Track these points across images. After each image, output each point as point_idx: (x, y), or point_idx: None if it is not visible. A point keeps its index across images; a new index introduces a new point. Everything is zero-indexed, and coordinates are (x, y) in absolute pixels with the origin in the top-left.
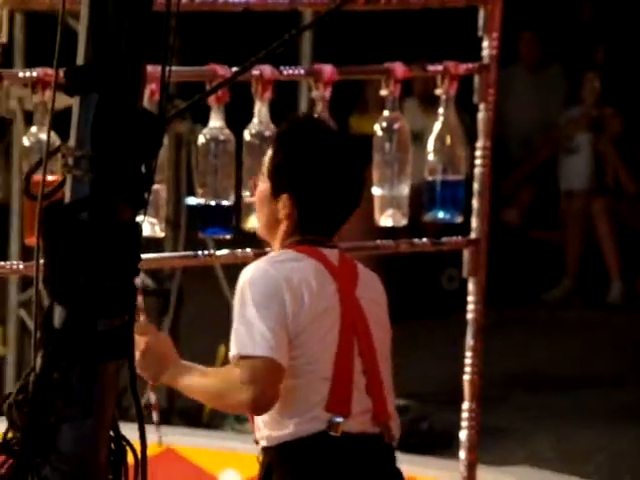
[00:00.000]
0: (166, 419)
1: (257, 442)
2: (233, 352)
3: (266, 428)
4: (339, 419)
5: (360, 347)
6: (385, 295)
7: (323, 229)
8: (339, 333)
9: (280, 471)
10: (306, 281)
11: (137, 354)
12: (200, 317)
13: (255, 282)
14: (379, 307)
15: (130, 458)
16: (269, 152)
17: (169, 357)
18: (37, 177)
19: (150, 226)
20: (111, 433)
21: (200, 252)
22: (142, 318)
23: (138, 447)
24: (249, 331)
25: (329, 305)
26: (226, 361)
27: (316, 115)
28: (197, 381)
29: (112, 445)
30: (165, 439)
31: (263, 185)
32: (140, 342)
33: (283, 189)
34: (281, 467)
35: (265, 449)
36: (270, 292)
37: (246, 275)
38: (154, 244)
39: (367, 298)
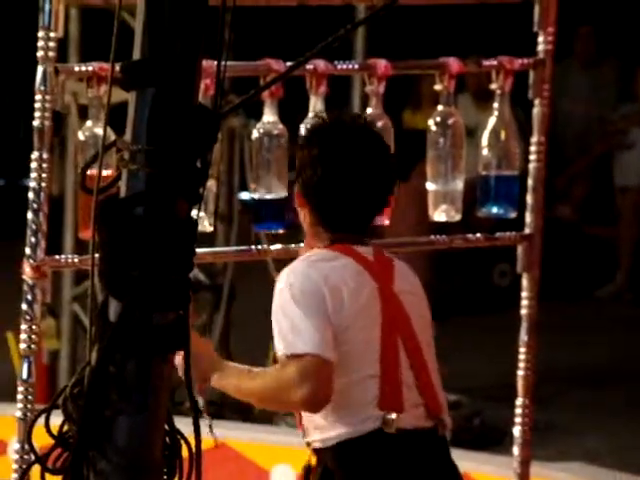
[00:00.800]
0: (219, 414)
1: (309, 444)
2: (280, 352)
3: (318, 430)
4: (393, 416)
5: (404, 343)
6: (421, 285)
7: (342, 224)
8: (381, 330)
9: (339, 472)
10: (343, 280)
11: (178, 358)
12: (252, 312)
13: (294, 282)
14: (418, 299)
15: (184, 452)
16: None
17: (214, 360)
18: (93, 171)
19: (199, 221)
20: (166, 427)
21: (254, 247)
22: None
23: (192, 441)
24: (294, 330)
25: (368, 303)
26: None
27: (347, 114)
28: (247, 383)
29: (167, 439)
30: (218, 434)
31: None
32: None
33: (295, 181)
34: (339, 468)
35: (319, 451)
36: (310, 290)
37: (284, 276)
38: (206, 239)
39: (405, 291)
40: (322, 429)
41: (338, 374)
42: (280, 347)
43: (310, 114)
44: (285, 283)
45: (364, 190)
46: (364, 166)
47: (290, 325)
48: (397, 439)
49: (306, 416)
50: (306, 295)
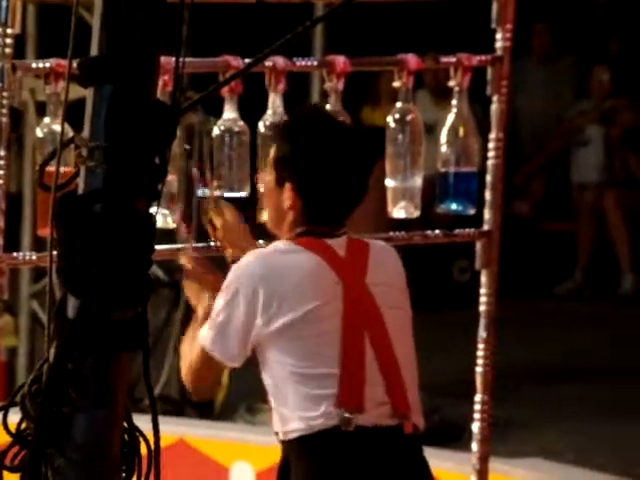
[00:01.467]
0: (179, 410)
1: (276, 434)
2: (201, 331)
3: (280, 422)
4: (351, 415)
5: (372, 338)
6: (402, 269)
7: (328, 219)
8: (342, 327)
9: (296, 464)
10: (299, 276)
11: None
12: None
13: (237, 273)
14: (394, 289)
15: (143, 449)
16: (274, 143)
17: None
18: (51, 168)
19: (162, 217)
20: (125, 424)
21: (212, 243)
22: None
23: (151, 438)
24: (211, 321)
25: (327, 299)
26: None
27: (322, 106)
28: (192, 332)
29: (125, 436)
30: (177, 430)
31: (268, 176)
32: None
33: (286, 179)
34: (297, 460)
35: (282, 442)
36: (242, 286)
37: (238, 264)
38: (165, 235)
39: (379, 283)
40: (283, 421)
41: (291, 370)
42: (203, 329)
43: (269, 111)
44: (233, 271)
45: (347, 183)
46: (353, 157)
47: (212, 316)
48: (355, 437)
49: (272, 407)
50: (238, 292)
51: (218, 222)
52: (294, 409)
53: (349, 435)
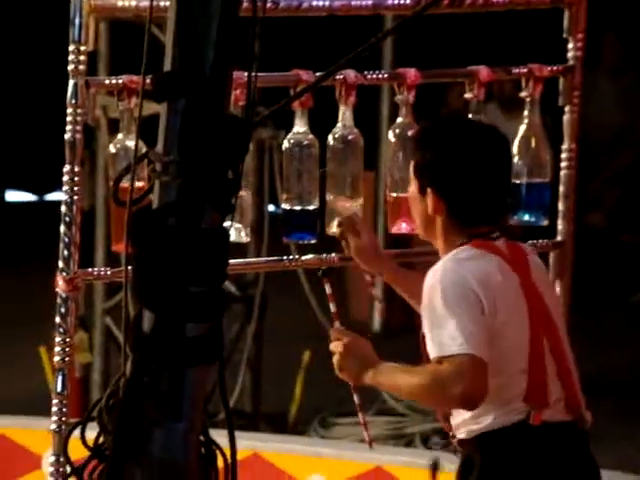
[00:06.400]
0: (252, 424)
1: (454, 436)
2: (434, 354)
3: (463, 423)
4: (538, 409)
5: (547, 336)
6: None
7: (476, 217)
8: (529, 325)
9: (480, 460)
10: (494, 279)
11: (336, 357)
12: (284, 323)
13: (447, 283)
14: (552, 289)
15: (220, 463)
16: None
17: (369, 358)
18: (125, 184)
19: (236, 232)
20: (201, 437)
21: (285, 257)
22: (336, 323)
23: (227, 451)
24: (448, 332)
25: (517, 299)
26: (311, 366)
27: (455, 112)
28: (402, 379)
29: (202, 449)
30: (251, 444)
31: (412, 187)
32: (337, 346)
33: (427, 185)
34: (481, 456)
35: (463, 441)
36: (463, 291)
37: (435, 276)
38: (238, 251)
39: (542, 282)
40: (467, 422)
41: (492, 370)
42: (434, 350)
43: (339, 124)
44: (438, 284)
45: (498, 181)
46: (495, 158)
47: (444, 328)
48: (540, 431)
49: (453, 410)
50: (459, 297)
51: (352, 241)
52: (482, 409)
53: (534, 430)
